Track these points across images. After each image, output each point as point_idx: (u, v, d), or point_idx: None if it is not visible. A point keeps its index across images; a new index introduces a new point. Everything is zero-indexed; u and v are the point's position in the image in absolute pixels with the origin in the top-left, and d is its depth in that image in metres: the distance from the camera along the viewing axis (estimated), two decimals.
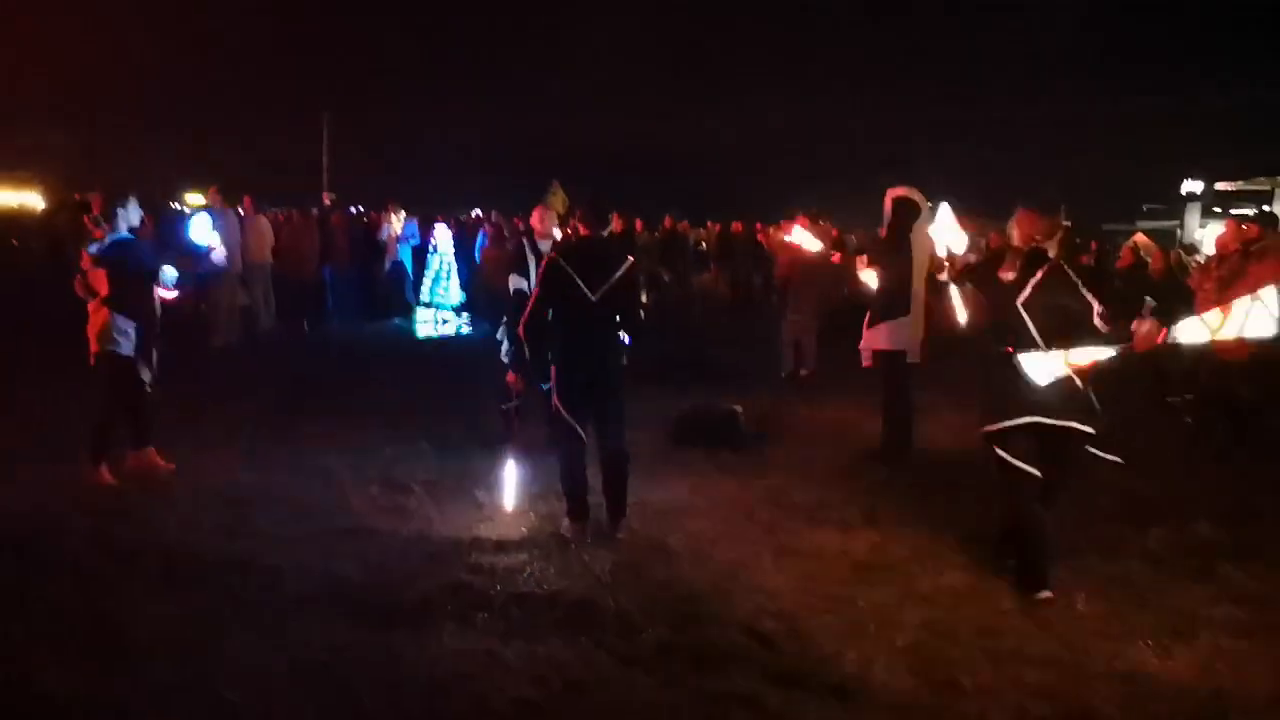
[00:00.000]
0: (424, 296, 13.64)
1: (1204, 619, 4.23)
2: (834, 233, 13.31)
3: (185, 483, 5.83)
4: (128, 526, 5.09)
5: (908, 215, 6.61)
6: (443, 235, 13.72)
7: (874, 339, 6.70)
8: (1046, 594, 4.36)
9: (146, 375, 5.89)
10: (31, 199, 15.35)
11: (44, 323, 6.00)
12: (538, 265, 5.66)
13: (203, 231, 6.58)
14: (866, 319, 6.78)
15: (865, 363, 6.84)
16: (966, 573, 4.72)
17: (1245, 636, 4.07)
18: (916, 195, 6.67)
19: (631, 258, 5.21)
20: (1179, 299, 8.10)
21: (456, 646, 3.78)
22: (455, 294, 13.47)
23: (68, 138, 19.40)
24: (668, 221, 17.63)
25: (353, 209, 17.58)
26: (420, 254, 14.07)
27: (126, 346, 5.77)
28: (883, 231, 6.93)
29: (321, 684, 3.48)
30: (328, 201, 16.38)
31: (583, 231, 5.12)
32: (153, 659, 3.64)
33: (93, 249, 5.85)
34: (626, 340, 5.24)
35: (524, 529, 5.19)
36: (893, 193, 6.71)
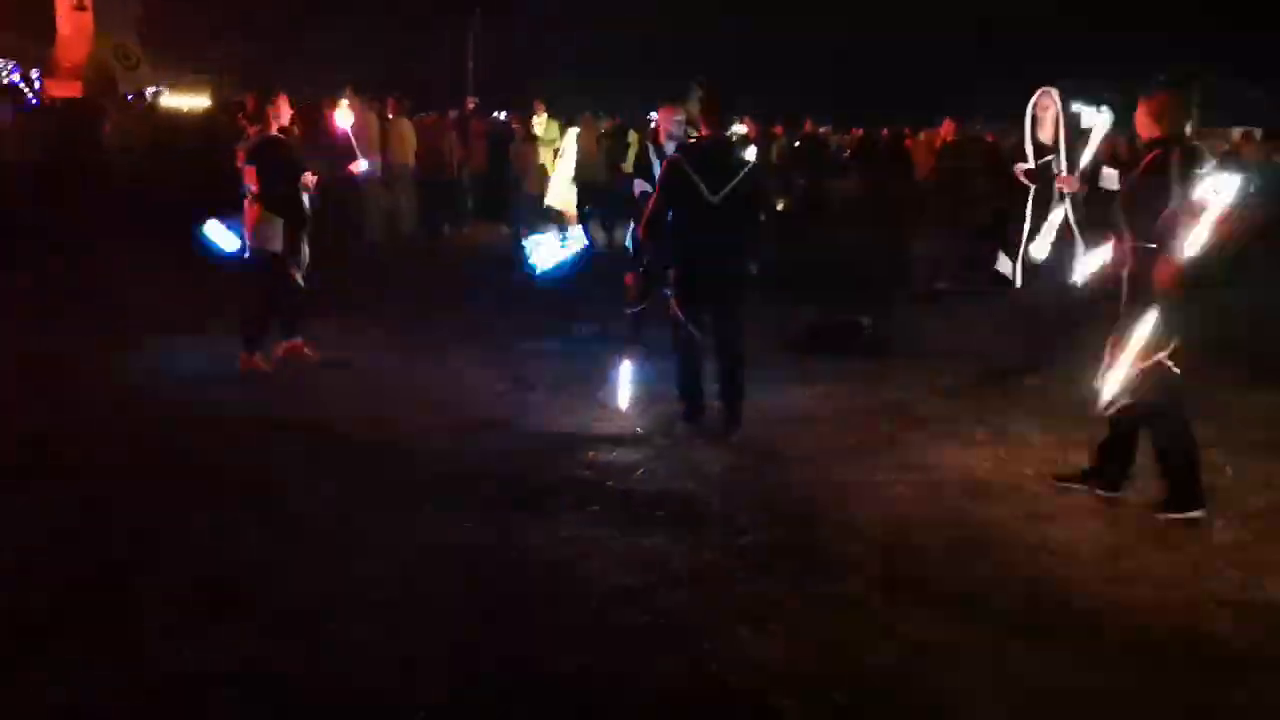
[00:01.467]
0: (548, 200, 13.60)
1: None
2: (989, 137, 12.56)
3: (330, 373, 6.22)
4: (276, 409, 5.50)
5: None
6: (570, 141, 13.60)
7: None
8: (1199, 512, 4.18)
9: (296, 271, 6.23)
10: (201, 101, 16.21)
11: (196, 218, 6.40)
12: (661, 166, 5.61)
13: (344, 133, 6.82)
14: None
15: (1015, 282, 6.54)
16: (1091, 493, 4.54)
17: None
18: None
19: (754, 160, 5.11)
20: None
21: (567, 534, 3.94)
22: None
23: (244, 44, 20.30)
24: (808, 125, 17.07)
25: (497, 114, 17.77)
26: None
27: (277, 243, 6.11)
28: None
29: (443, 561, 3.71)
30: (470, 106, 16.51)
31: (704, 132, 5.03)
32: (297, 529, 3.96)
33: (243, 146, 6.17)
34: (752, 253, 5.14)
35: (640, 429, 5.30)
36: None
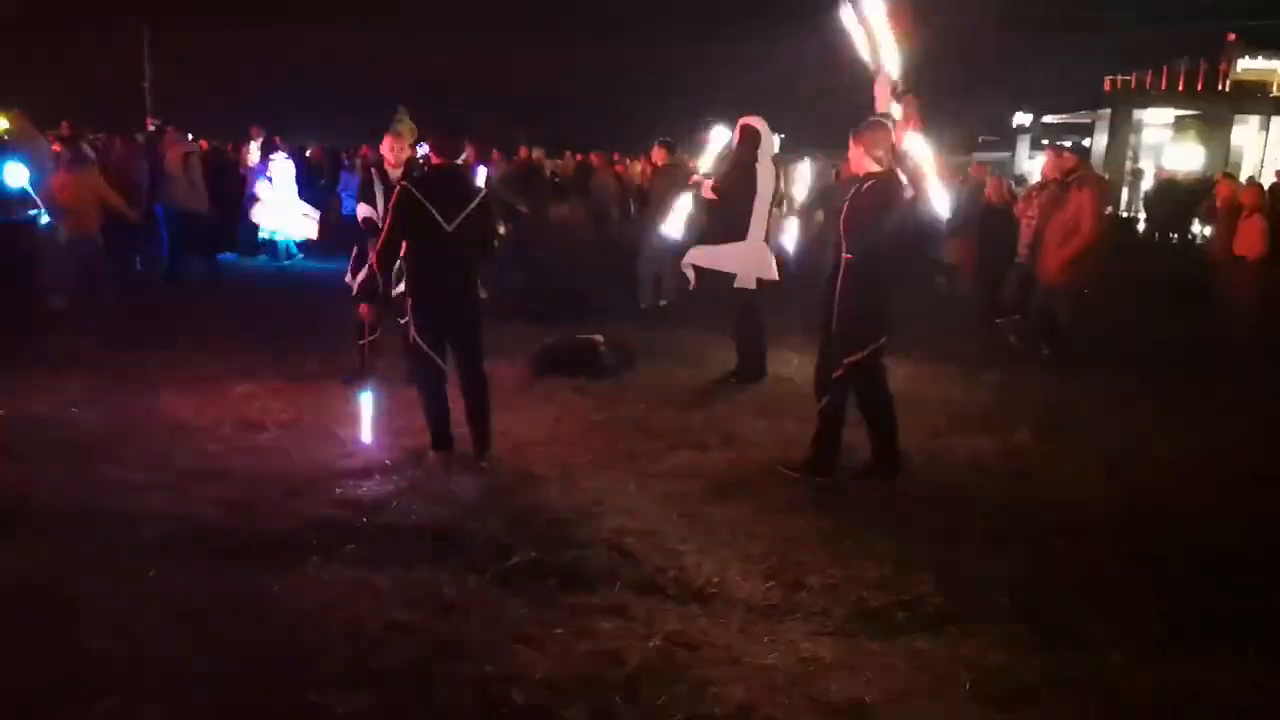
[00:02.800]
0: (263, 233, 12.95)
1: (1025, 518, 4.70)
2: (690, 164, 13.47)
3: (19, 433, 5.51)
4: None
5: (753, 142, 6.83)
6: (280, 168, 12.96)
7: (711, 259, 6.93)
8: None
9: None
10: None
11: None
12: (387, 195, 5.55)
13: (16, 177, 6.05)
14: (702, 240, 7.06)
15: (691, 283, 7.19)
16: (811, 485, 5.04)
17: (1062, 533, 4.53)
18: (762, 124, 6.88)
19: (486, 187, 5.19)
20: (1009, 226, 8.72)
21: (325, 578, 3.80)
22: (299, 229, 12.81)
23: None
24: (523, 151, 17.37)
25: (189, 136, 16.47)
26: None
27: None
28: (731, 157, 7.13)
29: (186, 625, 3.43)
30: (151, 127, 15.15)
31: (435, 160, 5.05)
32: (6, 613, 3.51)
33: None
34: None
35: (387, 462, 5.18)
36: (742, 121, 6.89)
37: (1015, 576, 4.05)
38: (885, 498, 4.88)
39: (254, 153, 13.08)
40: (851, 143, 5.03)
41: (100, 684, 3.03)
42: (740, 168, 6.84)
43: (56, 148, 10.90)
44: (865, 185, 4.96)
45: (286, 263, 12.86)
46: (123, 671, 3.12)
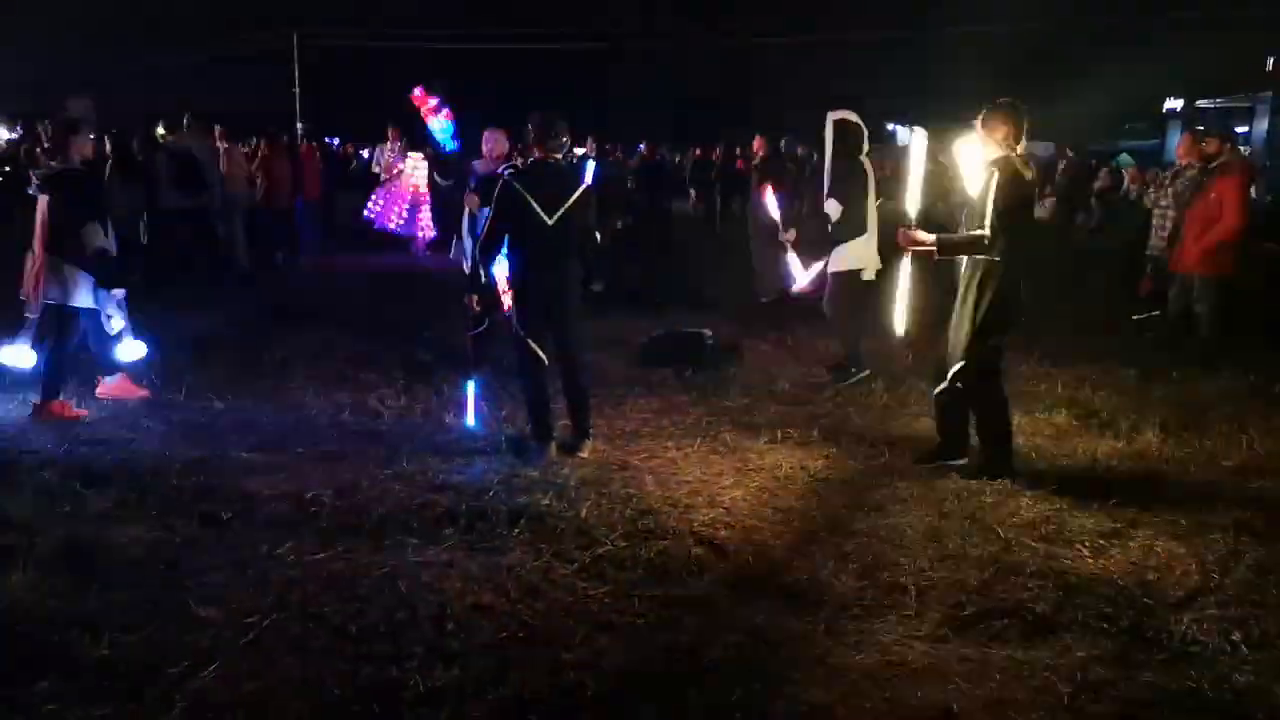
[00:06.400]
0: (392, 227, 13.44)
1: (1142, 522, 4.42)
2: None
3: (158, 414, 5.91)
4: (100, 453, 5.17)
5: (856, 136, 6.66)
6: (414, 166, 13.44)
7: (841, 261, 6.76)
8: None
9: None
10: None
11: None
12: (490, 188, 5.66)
13: None
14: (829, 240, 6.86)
15: (810, 290, 7.07)
16: (915, 481, 4.88)
17: (1178, 538, 4.25)
18: (856, 117, 6.70)
19: (588, 180, 5.24)
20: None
21: (420, 559, 3.92)
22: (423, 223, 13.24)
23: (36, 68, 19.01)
24: (646, 147, 17.50)
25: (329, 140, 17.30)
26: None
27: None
28: (830, 156, 6.91)
29: (289, 598, 3.61)
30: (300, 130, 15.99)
31: (538, 154, 5.12)
32: (126, 579, 3.76)
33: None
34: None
35: (489, 450, 5.30)
36: (838, 116, 6.69)
37: (1127, 586, 3.81)
38: (994, 500, 4.66)
39: (390, 153, 13.55)
40: (979, 127, 4.80)
41: (206, 650, 3.23)
42: (851, 164, 6.68)
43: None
44: (995, 173, 4.71)
45: (421, 256, 13.24)
46: (227, 639, 3.31)
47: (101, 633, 3.32)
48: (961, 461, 5.03)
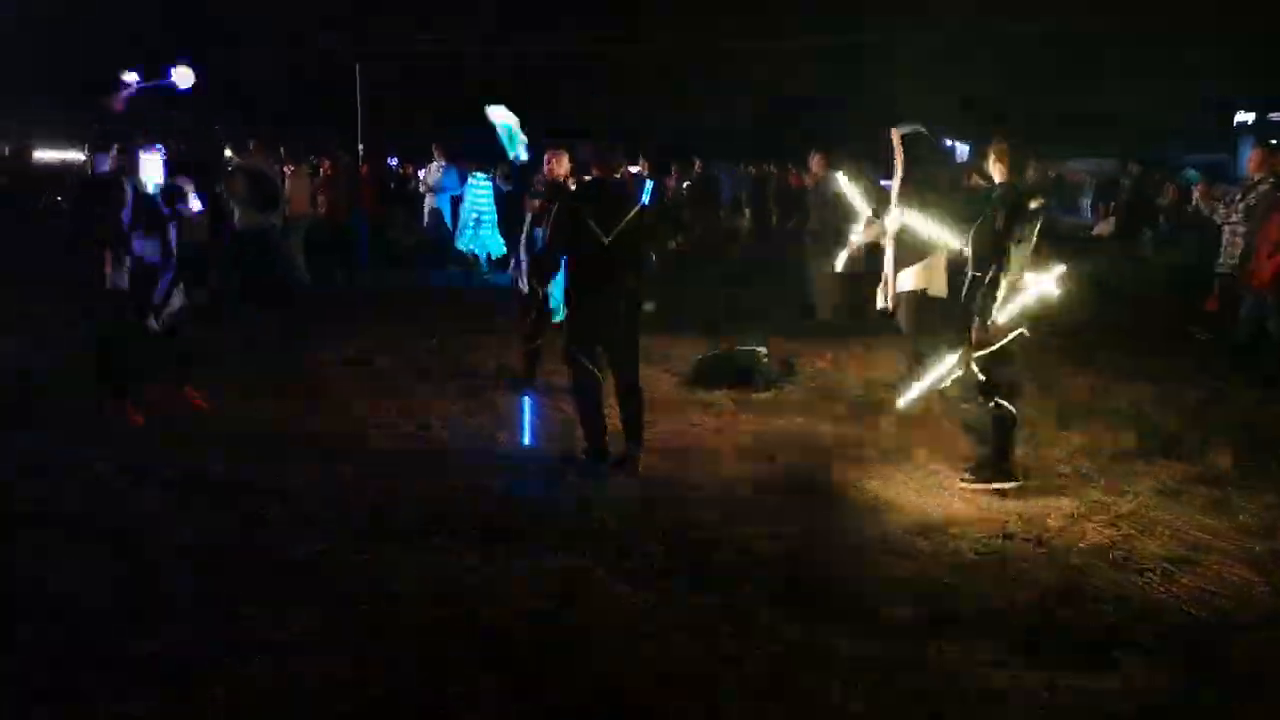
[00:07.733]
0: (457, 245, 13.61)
1: (1211, 548, 4.29)
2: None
3: (218, 422, 6.04)
4: (153, 453, 5.34)
5: (923, 150, 6.58)
6: (476, 187, 13.53)
7: (904, 281, 6.65)
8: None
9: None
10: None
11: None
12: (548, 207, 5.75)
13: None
14: (891, 264, 6.73)
15: (890, 308, 6.87)
16: (969, 503, 4.81)
17: (1249, 564, 4.11)
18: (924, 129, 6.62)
19: (645, 201, 5.27)
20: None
21: (466, 564, 3.99)
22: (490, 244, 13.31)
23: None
24: (698, 165, 17.51)
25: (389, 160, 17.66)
26: (458, 204, 13.95)
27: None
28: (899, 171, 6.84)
29: (331, 600, 3.69)
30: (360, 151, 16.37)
31: (596, 173, 5.17)
32: (172, 574, 3.91)
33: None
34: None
35: (541, 463, 5.35)
36: (902, 132, 6.62)
37: (1190, 612, 3.70)
38: (1059, 524, 4.55)
39: (435, 172, 13.75)
40: (989, 151, 4.97)
41: (250, 645, 3.32)
42: (916, 180, 6.59)
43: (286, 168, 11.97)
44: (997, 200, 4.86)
45: (486, 278, 13.26)
46: (269, 635, 3.40)
47: (148, 626, 3.44)
48: (1014, 484, 4.94)
